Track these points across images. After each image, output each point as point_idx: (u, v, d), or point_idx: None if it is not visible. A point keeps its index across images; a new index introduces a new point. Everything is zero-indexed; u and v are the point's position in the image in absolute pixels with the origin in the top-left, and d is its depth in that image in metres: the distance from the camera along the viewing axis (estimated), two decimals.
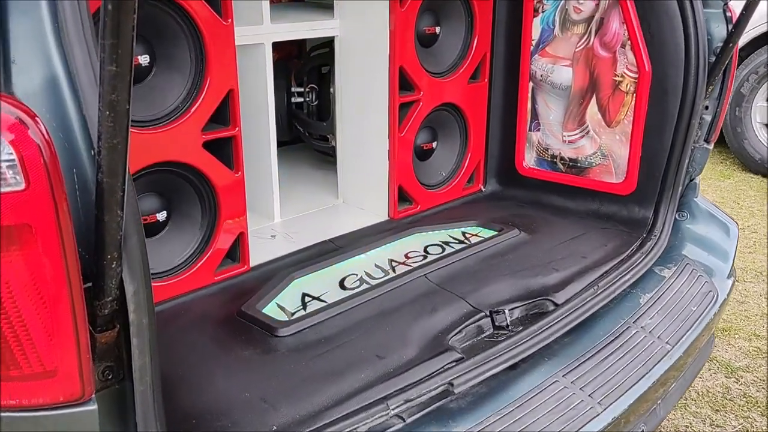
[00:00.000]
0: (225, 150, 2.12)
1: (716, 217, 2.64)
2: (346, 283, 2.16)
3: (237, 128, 2.09)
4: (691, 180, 2.66)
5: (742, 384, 3.09)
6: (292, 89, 2.97)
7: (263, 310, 1.97)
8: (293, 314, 1.97)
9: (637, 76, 2.51)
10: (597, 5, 2.55)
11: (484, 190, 3.02)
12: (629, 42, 2.50)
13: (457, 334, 1.93)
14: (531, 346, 1.90)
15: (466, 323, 1.96)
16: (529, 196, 2.91)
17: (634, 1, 2.46)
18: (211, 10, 1.94)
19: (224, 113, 2.08)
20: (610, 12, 2.52)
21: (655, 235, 2.51)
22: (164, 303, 2.02)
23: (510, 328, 1.97)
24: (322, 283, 2.16)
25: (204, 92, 1.98)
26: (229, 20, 1.99)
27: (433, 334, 1.91)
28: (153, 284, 1.99)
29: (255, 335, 1.87)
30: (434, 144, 2.85)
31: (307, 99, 2.96)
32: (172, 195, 2.06)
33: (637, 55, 2.49)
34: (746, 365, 3.23)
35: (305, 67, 2.96)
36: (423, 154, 2.83)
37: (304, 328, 1.88)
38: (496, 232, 2.53)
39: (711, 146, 2.58)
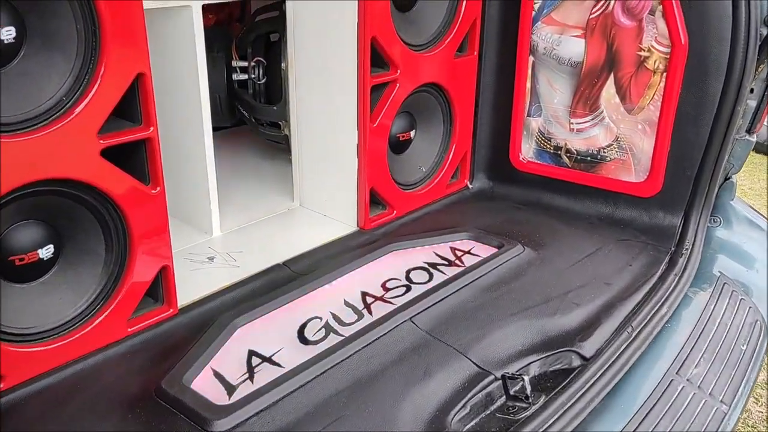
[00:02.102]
0: (136, 157, 1.53)
1: (756, 223, 2.18)
2: (308, 333, 1.63)
3: (151, 127, 1.50)
4: (727, 179, 2.19)
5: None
6: (234, 63, 2.36)
7: (192, 386, 1.42)
8: (235, 388, 1.43)
9: (668, 50, 2.00)
10: None
11: (470, 187, 2.50)
12: (661, 7, 1.98)
13: (460, 409, 1.43)
14: (558, 425, 1.40)
15: (472, 393, 1.46)
16: (527, 195, 2.40)
17: None
18: None
19: (132, 107, 1.49)
20: None
21: (686, 249, 2.04)
22: (51, 374, 1.46)
23: (529, 399, 1.47)
24: (274, 333, 1.62)
25: (99, 79, 1.39)
26: None
27: (429, 413, 1.40)
28: (32, 350, 1.45)
29: (181, 429, 1.32)
30: (412, 133, 2.30)
31: (253, 76, 2.36)
32: (61, 223, 1.47)
33: (670, 25, 1.97)
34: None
35: (249, 36, 2.35)
36: (399, 146, 2.28)
37: (251, 416, 1.34)
38: (495, 249, 2.01)
39: (754, 138, 2.10)
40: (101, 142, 1.42)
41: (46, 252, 1.46)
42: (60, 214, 1.46)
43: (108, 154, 1.45)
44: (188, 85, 1.94)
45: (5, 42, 1.30)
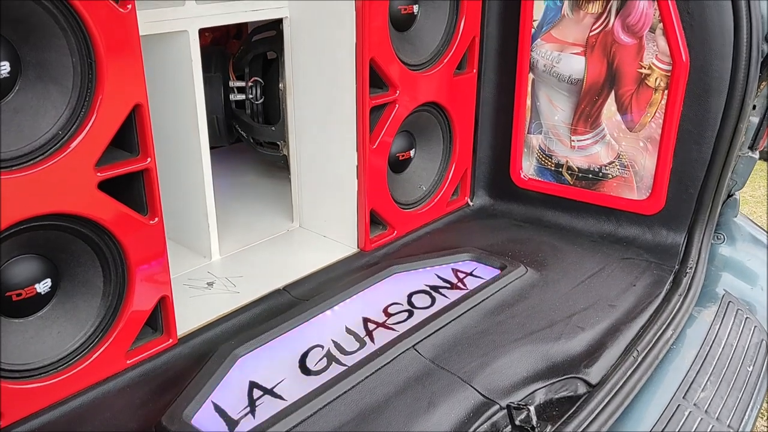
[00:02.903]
0: (133, 188, 1.51)
1: (760, 240, 2.16)
2: (310, 363, 1.60)
3: (149, 158, 1.48)
4: (730, 196, 2.17)
5: None
6: (231, 84, 2.34)
7: (193, 421, 1.39)
8: (237, 423, 1.41)
9: (670, 68, 1.98)
10: None
11: (471, 204, 2.48)
12: (661, 25, 1.96)
13: None
14: None
15: (477, 424, 1.43)
16: (528, 212, 2.38)
17: None
18: None
19: (130, 137, 1.47)
20: None
21: (690, 267, 2.02)
22: (50, 410, 1.43)
23: (535, 429, 1.45)
24: (276, 363, 1.60)
25: (95, 112, 1.37)
26: (129, 6, 1.36)
27: None
28: (31, 386, 1.43)
29: None
30: (412, 152, 2.28)
31: (250, 96, 2.34)
32: (58, 256, 1.45)
33: (671, 42, 1.96)
34: None
35: (246, 56, 2.33)
36: (398, 166, 2.26)
37: None
38: (498, 271, 1.99)
39: (757, 155, 2.08)
40: (98, 174, 1.40)
41: (43, 286, 1.44)
42: (57, 248, 1.44)
43: (105, 184, 1.43)
44: (185, 109, 1.92)
45: (0, 76, 1.28)
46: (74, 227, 1.42)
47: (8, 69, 1.29)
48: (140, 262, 1.53)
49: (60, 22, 1.29)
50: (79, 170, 1.37)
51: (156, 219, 1.54)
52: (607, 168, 2.19)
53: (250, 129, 2.39)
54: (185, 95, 1.90)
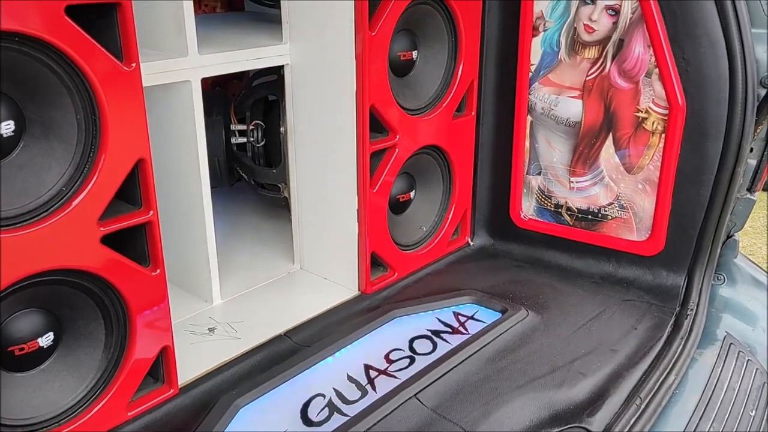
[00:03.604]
0: (135, 239, 1.52)
1: (760, 281, 2.16)
2: (311, 413, 1.60)
3: (151, 211, 1.50)
4: (730, 237, 2.18)
5: None
6: (233, 127, 2.37)
7: None
8: None
9: (666, 112, 2.01)
10: (615, 23, 2.03)
11: (472, 244, 2.49)
12: (657, 70, 1.99)
13: None
14: None
15: None
16: (529, 253, 2.39)
17: (663, 18, 1.94)
18: (106, 53, 1.34)
19: (132, 189, 1.48)
20: (632, 32, 2.01)
21: (691, 310, 2.03)
22: None
23: None
24: (277, 413, 1.60)
25: (99, 167, 1.38)
26: (134, 65, 1.38)
27: None
28: None
29: None
30: (412, 194, 2.29)
31: (251, 139, 2.36)
32: (61, 310, 1.46)
33: (667, 87, 1.98)
34: None
35: (248, 100, 2.36)
36: (398, 207, 2.27)
37: None
38: (499, 314, 1.99)
39: (755, 197, 2.10)
40: (101, 229, 1.41)
41: (46, 340, 1.44)
42: (59, 301, 1.44)
43: (108, 236, 1.44)
44: (188, 156, 1.93)
45: (4, 136, 1.29)
46: (77, 281, 1.42)
47: (13, 128, 1.30)
48: (142, 313, 1.53)
49: (65, 82, 1.31)
50: (82, 226, 1.38)
51: (158, 270, 1.55)
52: (606, 209, 2.21)
53: (251, 171, 2.41)
54: (187, 142, 1.92)
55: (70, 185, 1.36)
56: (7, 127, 1.29)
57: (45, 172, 1.35)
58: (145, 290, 1.53)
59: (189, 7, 1.78)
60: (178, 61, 1.79)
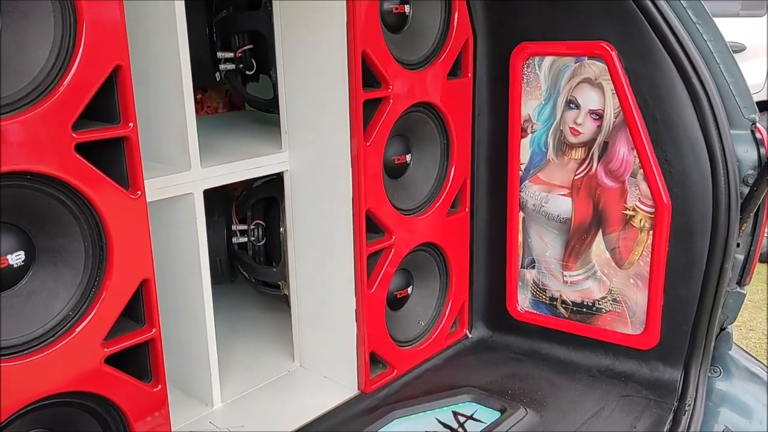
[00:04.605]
0: (138, 356, 1.56)
1: (755, 374, 2.18)
2: None
3: (154, 329, 1.54)
4: (723, 329, 2.21)
5: None
6: (234, 227, 2.44)
7: None
8: None
9: (653, 210, 2.07)
10: (599, 127, 2.12)
11: (470, 336, 2.51)
12: (641, 171, 2.07)
13: None
14: None
15: None
16: (526, 345, 2.42)
17: (645, 122, 2.03)
18: (114, 183, 1.41)
19: (136, 307, 1.53)
20: (616, 135, 2.09)
21: (689, 404, 2.04)
22: None
23: None
24: None
25: (104, 292, 1.43)
26: (139, 192, 1.46)
27: None
28: None
29: None
30: (409, 289, 2.34)
31: (252, 238, 2.43)
32: (64, 429, 1.48)
33: (651, 187, 2.06)
34: None
35: (248, 201, 2.44)
36: (396, 303, 2.31)
37: None
38: (498, 414, 2.01)
39: (746, 290, 2.14)
40: (105, 350, 1.46)
41: None
42: (61, 422, 1.47)
43: (111, 357, 1.48)
44: (190, 262, 1.99)
45: (14, 266, 1.35)
46: (80, 402, 1.45)
47: (23, 258, 1.36)
48: (142, 427, 1.55)
49: (74, 212, 1.38)
50: (86, 349, 1.42)
51: (159, 386, 1.58)
52: (600, 303, 2.25)
53: (252, 270, 2.46)
54: (190, 249, 1.97)
55: (77, 310, 1.42)
56: (18, 258, 1.35)
57: (52, 298, 1.40)
58: (146, 405, 1.56)
59: (192, 123, 1.87)
60: (182, 176, 1.86)
